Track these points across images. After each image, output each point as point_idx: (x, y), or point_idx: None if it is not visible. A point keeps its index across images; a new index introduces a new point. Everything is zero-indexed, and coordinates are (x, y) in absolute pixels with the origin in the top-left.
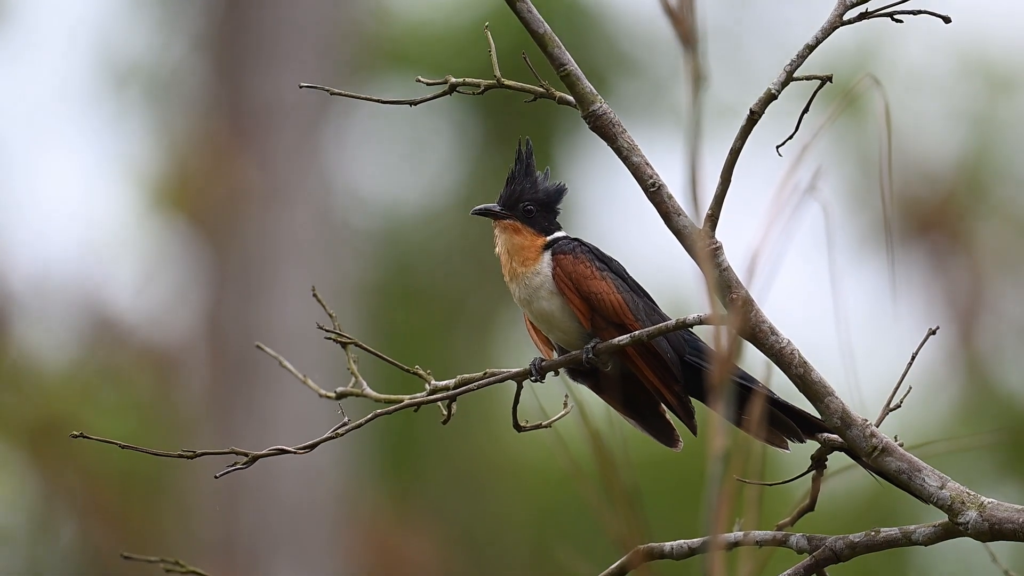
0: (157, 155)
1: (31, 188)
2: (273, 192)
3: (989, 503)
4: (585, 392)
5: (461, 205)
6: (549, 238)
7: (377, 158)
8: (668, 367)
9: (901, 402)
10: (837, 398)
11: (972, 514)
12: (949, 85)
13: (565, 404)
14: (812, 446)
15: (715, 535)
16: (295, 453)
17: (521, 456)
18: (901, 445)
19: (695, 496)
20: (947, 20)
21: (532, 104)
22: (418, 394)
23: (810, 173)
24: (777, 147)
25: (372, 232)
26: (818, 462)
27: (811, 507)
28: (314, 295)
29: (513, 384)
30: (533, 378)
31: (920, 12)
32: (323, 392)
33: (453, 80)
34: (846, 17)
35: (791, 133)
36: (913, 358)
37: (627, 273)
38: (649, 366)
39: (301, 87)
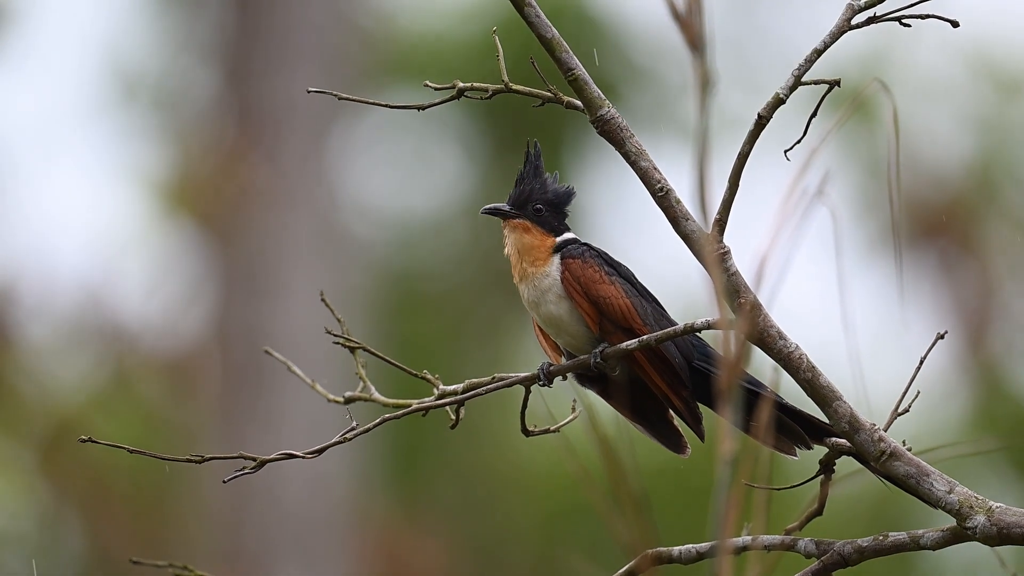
0: (166, 161)
1: (41, 196)
2: (282, 197)
3: (997, 507)
4: (593, 397)
5: (470, 213)
6: (559, 239)
7: (386, 166)
8: (676, 372)
9: (909, 406)
10: (845, 403)
11: (980, 518)
12: (958, 90)
13: (573, 409)
14: (820, 451)
15: (723, 539)
16: (303, 457)
17: (529, 461)
18: (909, 449)
19: (703, 501)
20: (955, 24)
21: (541, 114)
22: (426, 399)
23: (818, 177)
24: (785, 151)
25: (380, 239)
26: (826, 466)
27: (819, 511)
28: (322, 300)
29: (521, 389)
30: (541, 383)
31: (928, 16)
32: (331, 397)
33: (461, 85)
34: (854, 21)
35: (799, 137)
36: (922, 362)
37: (636, 278)
38: (657, 371)
39: (309, 92)
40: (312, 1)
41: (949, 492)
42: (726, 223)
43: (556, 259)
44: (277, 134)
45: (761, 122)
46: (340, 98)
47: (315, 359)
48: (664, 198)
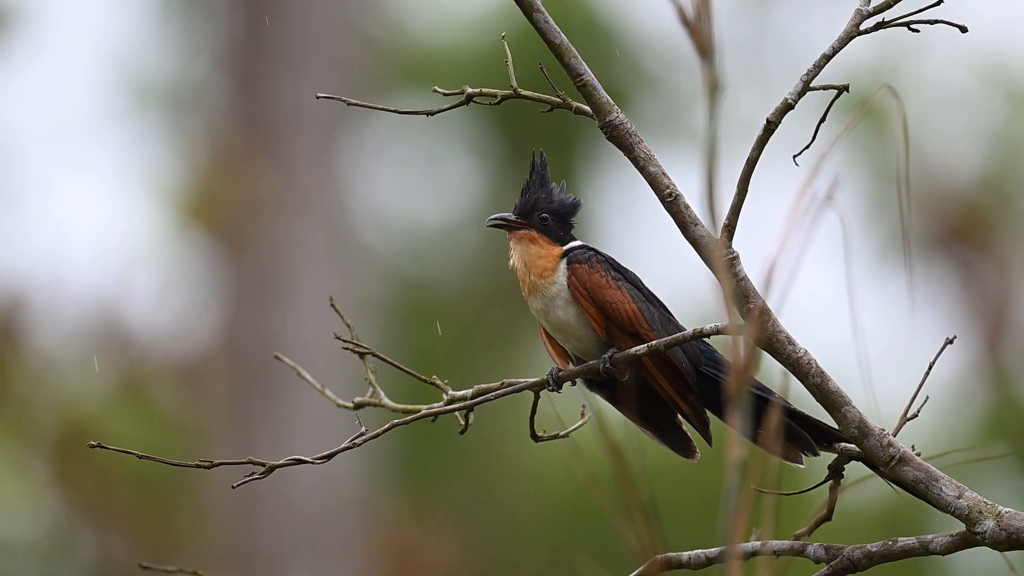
0: (177, 169)
1: (53, 202)
2: (292, 204)
3: (1006, 512)
4: (602, 403)
5: (480, 221)
6: (566, 248)
7: (396, 173)
8: (684, 377)
9: (919, 412)
10: (855, 408)
11: (989, 523)
12: (970, 97)
13: (582, 414)
14: (830, 456)
15: (733, 545)
16: (312, 463)
17: (538, 467)
18: (918, 455)
19: (712, 506)
20: (964, 30)
21: (552, 121)
22: (435, 404)
23: (827, 183)
24: (794, 157)
25: (390, 246)
26: (835, 472)
27: (828, 517)
28: (332, 306)
29: (530, 395)
30: (551, 388)
31: (937, 22)
32: (341, 402)
33: (470, 90)
34: (863, 27)
35: (808, 143)
36: (931, 367)
37: (643, 283)
38: (665, 376)
39: (318, 97)
40: (321, 9)
41: (958, 497)
42: (735, 228)
43: (563, 265)
44: (287, 141)
45: (770, 127)
46: (349, 103)
47: (325, 365)
48: (673, 203)
